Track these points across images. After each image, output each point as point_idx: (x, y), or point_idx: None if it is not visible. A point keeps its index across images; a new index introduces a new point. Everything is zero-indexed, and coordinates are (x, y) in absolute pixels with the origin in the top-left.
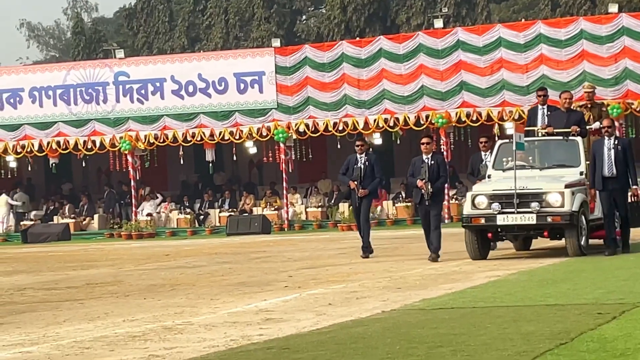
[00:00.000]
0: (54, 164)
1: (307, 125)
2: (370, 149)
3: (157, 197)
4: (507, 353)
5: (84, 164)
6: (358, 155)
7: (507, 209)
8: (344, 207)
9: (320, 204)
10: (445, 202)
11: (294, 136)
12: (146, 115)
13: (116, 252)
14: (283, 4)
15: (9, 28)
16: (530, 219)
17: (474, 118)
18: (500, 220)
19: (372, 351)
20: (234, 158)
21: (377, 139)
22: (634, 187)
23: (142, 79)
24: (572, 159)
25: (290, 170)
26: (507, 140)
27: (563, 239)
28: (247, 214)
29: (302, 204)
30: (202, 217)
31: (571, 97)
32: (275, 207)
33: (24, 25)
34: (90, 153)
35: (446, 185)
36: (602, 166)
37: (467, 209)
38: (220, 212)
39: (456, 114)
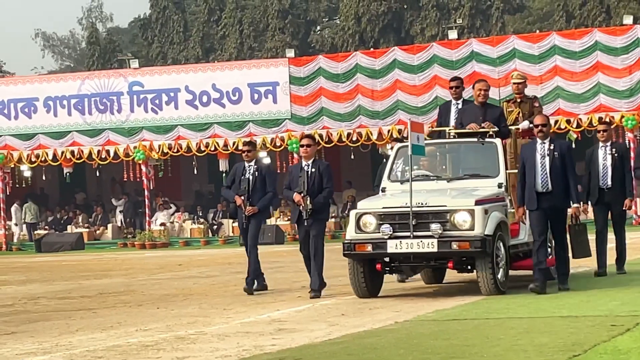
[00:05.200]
0: (68, 174)
1: (320, 136)
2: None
3: (171, 207)
4: None
5: (97, 174)
6: (246, 164)
7: (401, 232)
8: None
9: (333, 215)
10: None
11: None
12: (160, 125)
13: (129, 262)
14: (297, 14)
15: (24, 38)
16: (431, 246)
17: None
18: (392, 247)
19: None
20: None
21: (390, 150)
22: (575, 205)
23: (157, 89)
24: (489, 166)
25: None
26: (407, 144)
27: (474, 271)
28: None
29: None
30: (215, 227)
31: (487, 88)
32: (289, 217)
33: (39, 35)
34: (104, 163)
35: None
36: (535, 178)
37: (350, 233)
38: (233, 222)
39: None
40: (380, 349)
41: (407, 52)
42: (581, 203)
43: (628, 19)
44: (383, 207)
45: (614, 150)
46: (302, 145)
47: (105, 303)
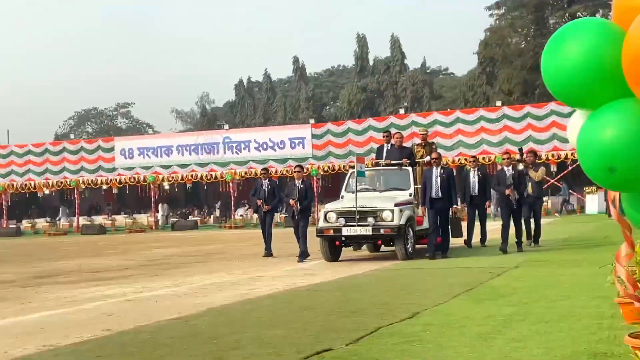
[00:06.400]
0: (189, 187)
1: (329, 167)
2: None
3: (246, 206)
4: (437, 294)
5: (205, 187)
6: (263, 181)
7: (350, 223)
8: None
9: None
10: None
11: (321, 173)
12: (240, 161)
13: (223, 237)
14: (316, 100)
15: (165, 112)
16: (367, 231)
17: None
18: (345, 231)
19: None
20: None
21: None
22: (455, 206)
23: (238, 141)
24: (404, 183)
25: (318, 191)
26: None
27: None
28: None
29: None
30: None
31: (401, 136)
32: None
33: (173, 111)
34: (209, 181)
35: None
36: (431, 189)
37: (320, 223)
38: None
39: None
40: (365, 285)
41: (377, 120)
42: (459, 204)
43: (499, 103)
44: (340, 208)
45: (479, 172)
46: (295, 171)
47: (210, 258)
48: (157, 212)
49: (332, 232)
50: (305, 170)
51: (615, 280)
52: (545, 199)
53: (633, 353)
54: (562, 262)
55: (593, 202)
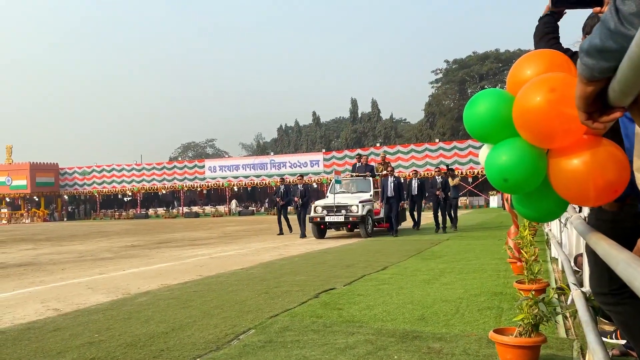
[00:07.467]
0: (249, 190)
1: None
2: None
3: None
4: (398, 255)
5: (259, 190)
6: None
7: (330, 213)
8: None
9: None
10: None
11: (328, 181)
12: (279, 174)
13: (268, 219)
14: (327, 136)
15: (234, 145)
16: (341, 218)
17: None
18: (327, 219)
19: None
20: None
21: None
22: (402, 202)
23: (279, 162)
24: (366, 187)
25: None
26: (336, 178)
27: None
28: None
29: None
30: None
31: (367, 158)
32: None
33: (240, 144)
34: (261, 186)
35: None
36: (387, 191)
37: (311, 213)
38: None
39: None
40: (353, 250)
41: (362, 150)
42: (404, 201)
43: (437, 140)
44: (324, 203)
45: (418, 180)
46: (297, 179)
47: (261, 232)
48: (230, 204)
49: (318, 219)
50: (304, 178)
51: (507, 248)
52: (462, 199)
53: (518, 291)
54: (475, 237)
55: (494, 200)
